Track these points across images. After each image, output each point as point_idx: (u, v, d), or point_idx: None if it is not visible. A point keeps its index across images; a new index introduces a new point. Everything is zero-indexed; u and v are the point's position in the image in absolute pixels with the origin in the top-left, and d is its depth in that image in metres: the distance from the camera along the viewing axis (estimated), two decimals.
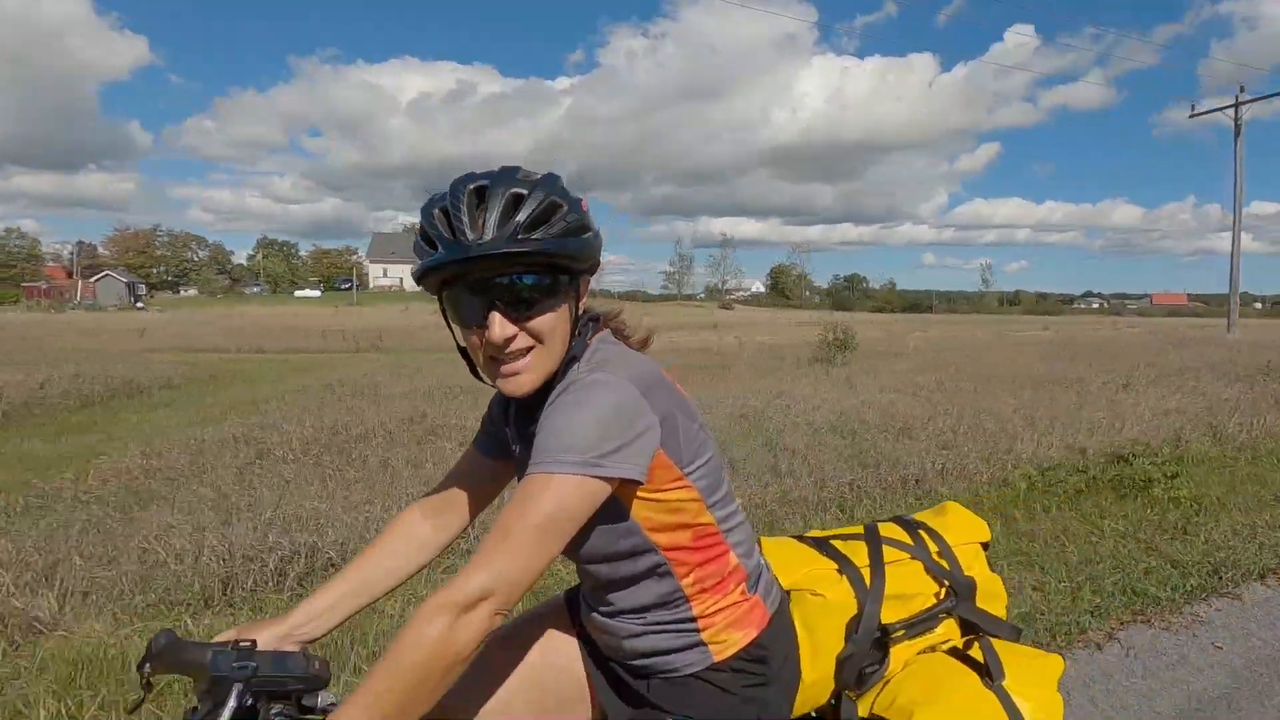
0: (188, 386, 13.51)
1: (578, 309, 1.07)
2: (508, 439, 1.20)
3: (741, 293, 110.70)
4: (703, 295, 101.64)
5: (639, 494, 1.01)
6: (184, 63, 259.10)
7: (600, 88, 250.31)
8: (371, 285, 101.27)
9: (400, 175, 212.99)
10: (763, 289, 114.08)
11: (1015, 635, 1.32)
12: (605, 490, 0.94)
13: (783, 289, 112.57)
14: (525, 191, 0.97)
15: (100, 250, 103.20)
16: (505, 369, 1.02)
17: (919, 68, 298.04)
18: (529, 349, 1.01)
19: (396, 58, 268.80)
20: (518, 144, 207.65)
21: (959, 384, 10.52)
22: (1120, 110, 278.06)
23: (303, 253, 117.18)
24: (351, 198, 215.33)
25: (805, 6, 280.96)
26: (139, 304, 76.16)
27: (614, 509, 1.00)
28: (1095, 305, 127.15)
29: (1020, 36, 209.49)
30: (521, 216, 0.96)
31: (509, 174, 1.01)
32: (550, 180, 1.02)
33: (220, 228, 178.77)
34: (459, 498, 1.27)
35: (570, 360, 1.05)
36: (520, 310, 0.99)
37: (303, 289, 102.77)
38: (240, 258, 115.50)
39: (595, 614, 1.16)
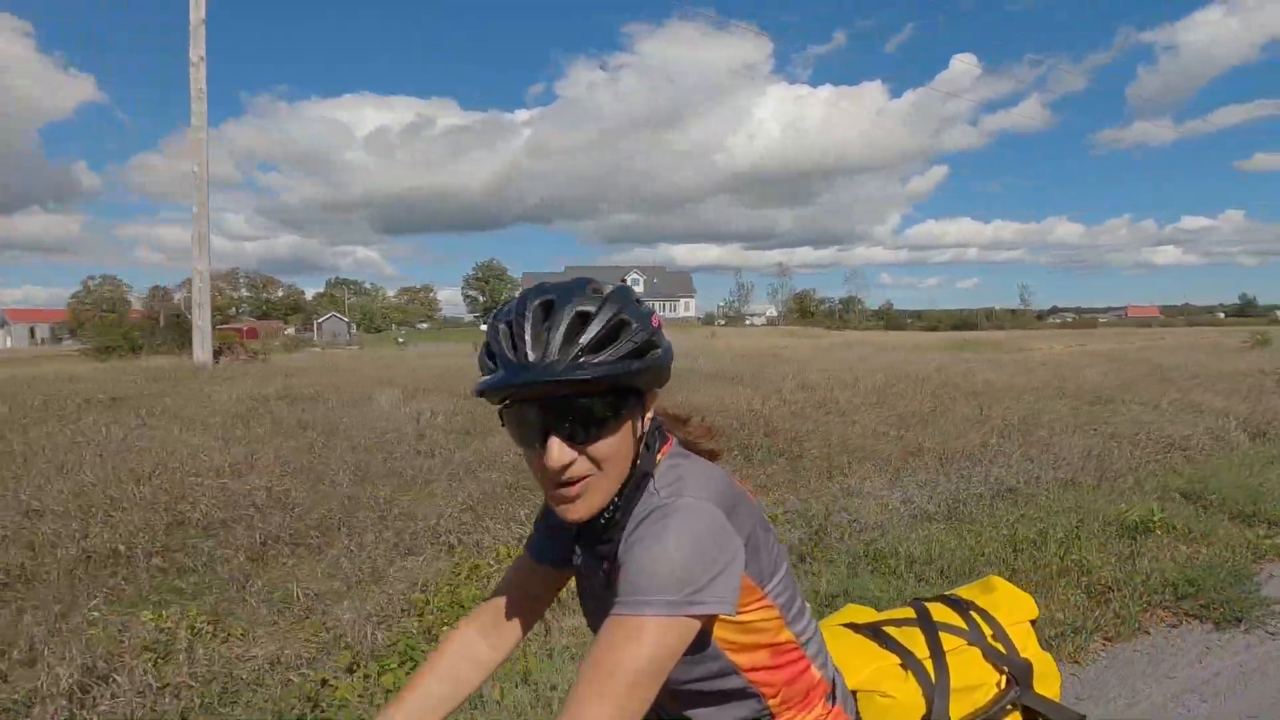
0: None
1: (643, 425, 1.01)
2: (566, 545, 1.15)
3: (755, 318, 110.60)
4: (722, 321, 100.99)
5: (720, 618, 0.97)
6: (131, 101, 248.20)
7: (559, 119, 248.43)
8: None
9: (359, 208, 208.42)
10: (775, 314, 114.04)
11: None
12: (697, 627, 0.89)
13: (808, 310, 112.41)
14: (592, 309, 0.93)
15: (176, 295, 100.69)
16: (561, 494, 0.97)
17: (869, 95, 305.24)
18: (587, 475, 0.96)
19: (352, 93, 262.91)
20: (479, 176, 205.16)
21: None
22: (1057, 132, 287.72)
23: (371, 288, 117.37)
24: (310, 234, 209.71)
25: (760, 40, 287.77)
26: (400, 339, 71.45)
27: (696, 637, 0.94)
28: (1070, 319, 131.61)
29: (964, 64, 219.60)
30: (586, 337, 0.92)
31: (578, 289, 0.96)
32: (620, 294, 0.97)
33: (170, 266, 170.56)
34: (514, 611, 1.21)
35: (643, 476, 1.00)
36: (581, 435, 0.94)
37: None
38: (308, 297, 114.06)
39: None
